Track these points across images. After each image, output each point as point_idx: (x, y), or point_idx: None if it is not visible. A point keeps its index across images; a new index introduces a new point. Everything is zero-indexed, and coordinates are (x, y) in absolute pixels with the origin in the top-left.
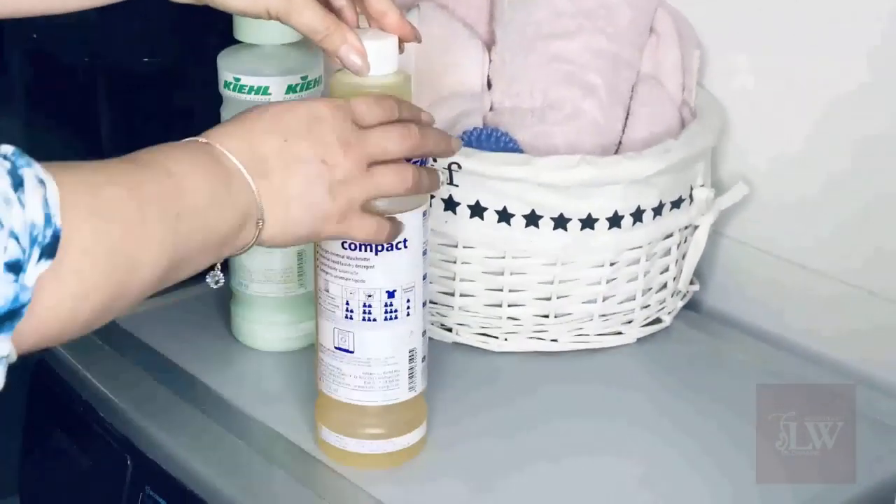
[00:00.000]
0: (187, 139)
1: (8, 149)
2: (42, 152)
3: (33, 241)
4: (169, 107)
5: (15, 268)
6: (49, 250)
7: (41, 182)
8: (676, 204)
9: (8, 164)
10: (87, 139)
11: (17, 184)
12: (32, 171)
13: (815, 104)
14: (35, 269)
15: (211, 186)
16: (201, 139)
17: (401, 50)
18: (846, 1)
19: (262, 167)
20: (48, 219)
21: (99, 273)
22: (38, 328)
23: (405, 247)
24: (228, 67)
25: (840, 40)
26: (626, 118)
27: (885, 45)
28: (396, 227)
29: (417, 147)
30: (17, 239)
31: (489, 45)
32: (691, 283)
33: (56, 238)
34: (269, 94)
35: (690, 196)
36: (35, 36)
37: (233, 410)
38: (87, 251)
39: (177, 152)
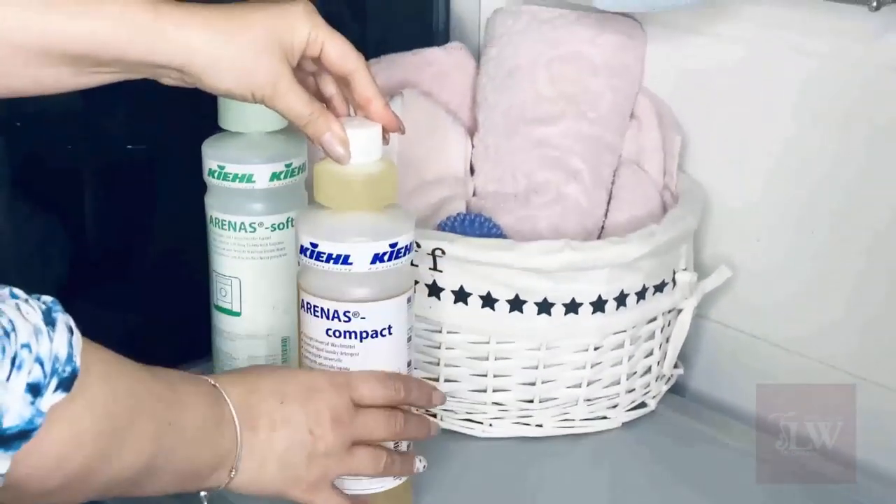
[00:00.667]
0: (197, 375)
1: (48, 298)
2: (26, 239)
3: (54, 371)
4: (153, 194)
5: (35, 390)
6: (66, 384)
7: (70, 329)
8: (660, 288)
9: (44, 307)
10: (70, 226)
11: (50, 322)
12: (65, 318)
13: (799, 188)
14: (51, 398)
15: (204, 418)
16: (210, 379)
17: (385, 140)
18: (824, 88)
19: (254, 421)
20: (70, 357)
21: (94, 430)
22: (36, 457)
23: (389, 333)
24: (213, 155)
25: (822, 123)
26: (609, 201)
27: (873, 132)
28: None
29: (399, 435)
30: (41, 364)
31: (472, 130)
32: (675, 366)
33: (74, 375)
34: (254, 181)
35: (674, 280)
36: (19, 125)
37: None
38: (91, 406)
39: (186, 379)
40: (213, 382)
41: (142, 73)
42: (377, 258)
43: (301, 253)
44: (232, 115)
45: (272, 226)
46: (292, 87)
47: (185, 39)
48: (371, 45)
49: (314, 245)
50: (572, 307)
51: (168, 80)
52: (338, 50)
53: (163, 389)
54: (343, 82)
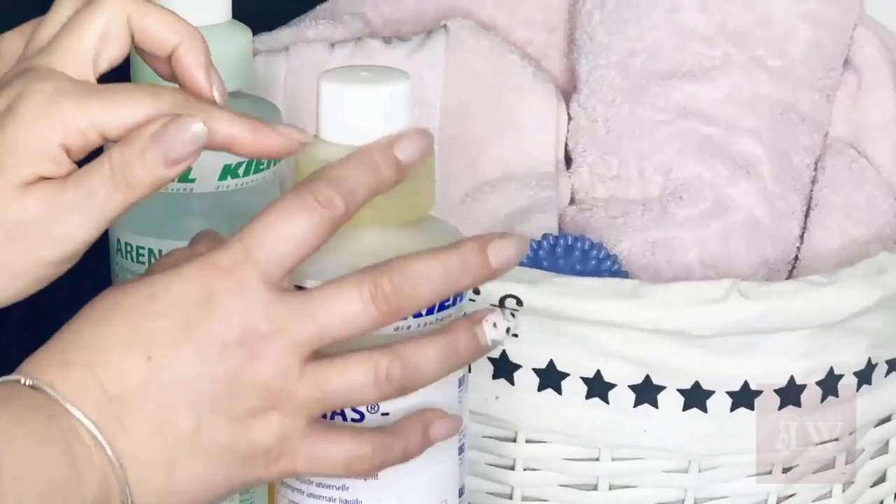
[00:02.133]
0: None
1: None
2: None
3: None
4: None
5: None
6: None
7: None
8: None
9: None
10: None
11: None
12: None
13: None
14: None
15: (38, 467)
16: (19, 377)
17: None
18: None
19: (120, 412)
20: None
21: None
22: None
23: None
24: None
25: None
26: (807, 213)
27: None
28: (398, 440)
29: (394, 313)
30: None
31: (567, 90)
32: None
33: None
34: (193, 180)
35: None
36: None
37: None
38: None
39: None
40: (25, 382)
41: None
42: None
43: None
44: (149, 73)
45: None
46: (93, 90)
47: None
48: None
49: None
50: (744, 398)
51: None
52: (156, 25)
53: None
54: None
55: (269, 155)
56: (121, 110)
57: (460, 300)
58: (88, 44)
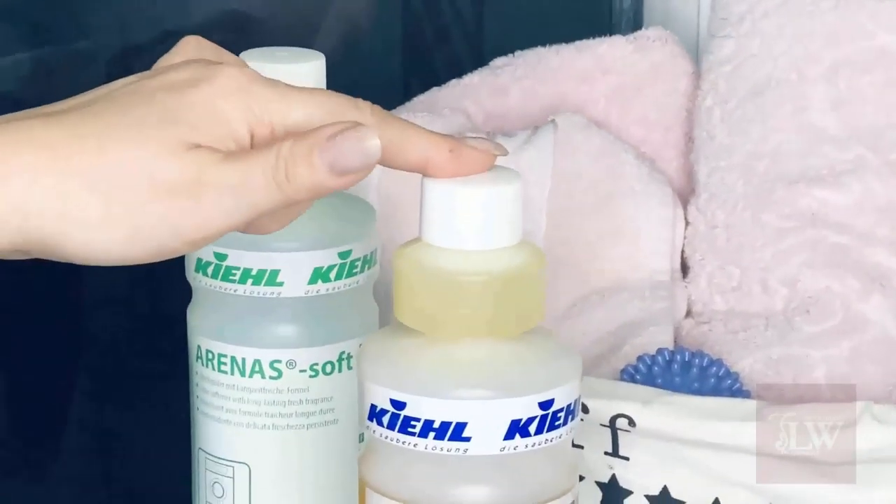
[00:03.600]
0: None
1: None
2: None
3: None
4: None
5: None
6: None
7: None
8: None
9: None
10: None
11: None
12: None
13: None
14: None
15: None
16: None
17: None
18: None
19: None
20: None
21: None
22: None
23: None
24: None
25: None
26: None
27: None
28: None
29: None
30: None
31: (685, 193)
32: None
33: None
34: (281, 283)
35: None
36: None
37: None
38: None
39: None
40: None
41: None
42: (514, 430)
43: (371, 419)
44: None
45: (312, 367)
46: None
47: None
48: (491, 38)
49: (398, 405)
50: None
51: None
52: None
53: None
54: None
55: (467, 173)
56: (320, 114)
57: (571, 419)
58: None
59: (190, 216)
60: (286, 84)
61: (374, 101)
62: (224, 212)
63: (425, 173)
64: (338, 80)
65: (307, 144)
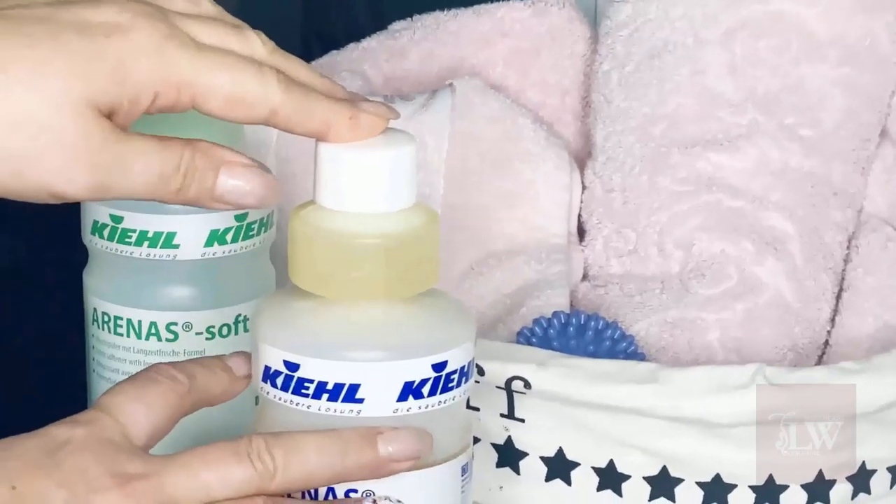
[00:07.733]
0: None
1: None
2: None
3: None
4: None
5: None
6: None
7: None
8: None
9: None
10: None
11: None
12: None
13: None
14: None
15: None
16: None
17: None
18: None
19: None
20: None
21: None
22: None
23: None
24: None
25: None
26: (839, 294)
27: None
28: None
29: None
30: None
31: (581, 157)
32: None
33: None
34: (177, 245)
35: None
36: None
37: None
38: None
39: None
40: None
41: None
42: (408, 392)
43: (265, 380)
44: (138, 127)
45: (209, 329)
46: (123, 143)
47: None
48: (391, 3)
49: (292, 366)
50: (769, 494)
51: None
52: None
53: None
54: None
55: (364, 138)
56: (227, 80)
57: (465, 381)
58: None
59: (63, 175)
60: (200, 44)
61: None
62: (94, 185)
63: (325, 140)
64: None
65: (212, 161)
